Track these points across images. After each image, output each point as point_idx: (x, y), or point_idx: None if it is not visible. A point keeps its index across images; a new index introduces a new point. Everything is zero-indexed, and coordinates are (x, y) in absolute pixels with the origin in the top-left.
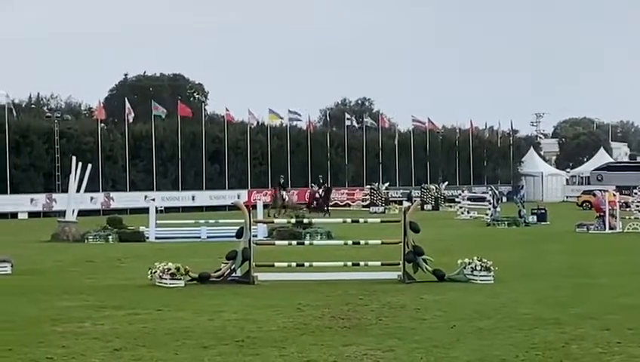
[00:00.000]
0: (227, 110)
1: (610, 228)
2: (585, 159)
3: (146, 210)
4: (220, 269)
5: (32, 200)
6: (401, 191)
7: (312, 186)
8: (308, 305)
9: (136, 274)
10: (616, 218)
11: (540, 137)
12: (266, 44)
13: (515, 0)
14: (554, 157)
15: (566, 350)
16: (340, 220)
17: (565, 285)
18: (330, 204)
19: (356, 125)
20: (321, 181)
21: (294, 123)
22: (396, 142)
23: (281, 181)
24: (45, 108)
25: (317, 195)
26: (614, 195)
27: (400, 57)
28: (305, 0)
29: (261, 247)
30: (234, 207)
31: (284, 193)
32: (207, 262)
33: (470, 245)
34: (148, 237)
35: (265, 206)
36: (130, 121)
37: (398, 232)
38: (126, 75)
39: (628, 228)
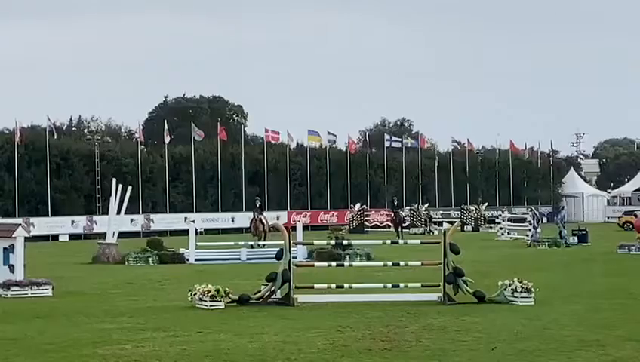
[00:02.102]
0: (267, 131)
1: None
2: (626, 179)
3: (185, 232)
4: (260, 291)
5: (72, 222)
6: (441, 212)
7: (351, 207)
8: (348, 327)
9: (176, 296)
10: None
11: (581, 158)
12: (305, 65)
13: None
14: (594, 178)
15: None
16: (380, 241)
17: (607, 306)
18: (370, 225)
19: (396, 146)
20: (395, 203)
21: (333, 145)
22: (436, 162)
23: (258, 204)
24: (86, 130)
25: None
26: None
27: (439, 78)
28: (343, 20)
29: (301, 269)
30: (274, 229)
31: (262, 217)
32: (247, 283)
33: (510, 266)
34: (188, 259)
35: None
36: (168, 142)
37: (438, 254)
38: (166, 97)
39: None
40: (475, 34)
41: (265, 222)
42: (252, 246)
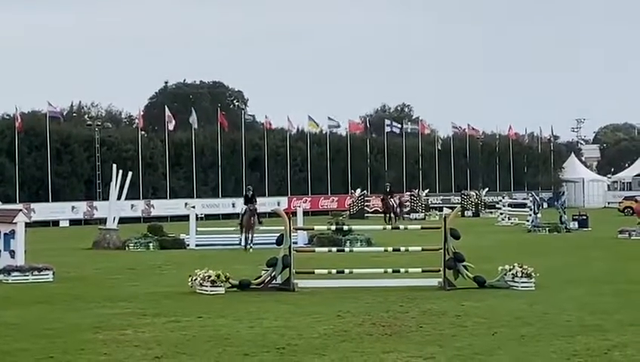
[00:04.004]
0: (267, 117)
1: None
2: (626, 165)
3: (186, 218)
4: (261, 276)
5: (73, 208)
6: (442, 197)
7: (351, 192)
8: (348, 312)
9: (176, 282)
10: None
11: (581, 143)
12: (305, 51)
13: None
14: (595, 163)
15: (608, 357)
16: (380, 227)
17: (607, 291)
18: (370, 210)
19: (396, 131)
20: (388, 189)
21: (333, 130)
22: (439, 147)
23: (250, 194)
24: (86, 116)
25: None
26: None
27: (440, 63)
28: (344, 6)
29: (301, 254)
30: (274, 214)
31: (254, 209)
32: (248, 269)
33: (511, 251)
34: (188, 245)
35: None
36: (171, 128)
37: (438, 239)
38: (166, 82)
39: None
40: (475, 18)
41: (256, 216)
42: (246, 249)
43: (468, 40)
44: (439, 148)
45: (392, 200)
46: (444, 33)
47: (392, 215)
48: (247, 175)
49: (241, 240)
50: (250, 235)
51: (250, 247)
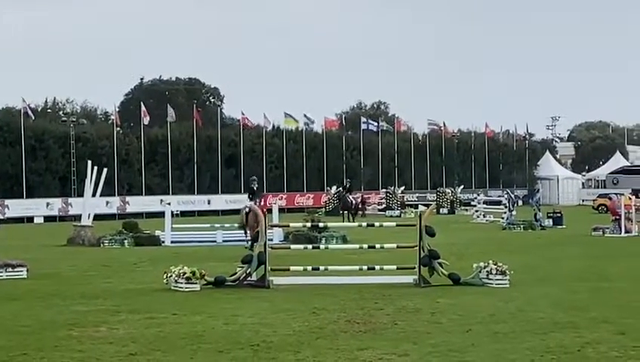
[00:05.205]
0: (243, 114)
1: (626, 232)
2: (601, 162)
3: (161, 214)
4: (236, 273)
5: (47, 204)
6: (417, 194)
7: (327, 190)
8: (323, 309)
9: (151, 279)
10: (632, 221)
11: (556, 141)
12: (281, 48)
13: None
14: (570, 161)
15: (582, 354)
16: (356, 224)
17: (581, 289)
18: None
19: (372, 128)
20: (347, 186)
21: (309, 127)
22: (420, 139)
23: (256, 187)
24: (61, 112)
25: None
26: (630, 199)
27: (415, 61)
28: (320, 3)
29: (277, 251)
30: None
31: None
32: (223, 266)
33: (486, 249)
34: (164, 242)
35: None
36: (146, 123)
37: (413, 236)
38: (142, 79)
39: None
40: (450, 17)
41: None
42: (250, 248)
43: (444, 38)
44: (420, 140)
45: (350, 197)
46: (420, 31)
47: (351, 213)
48: (223, 172)
49: (247, 240)
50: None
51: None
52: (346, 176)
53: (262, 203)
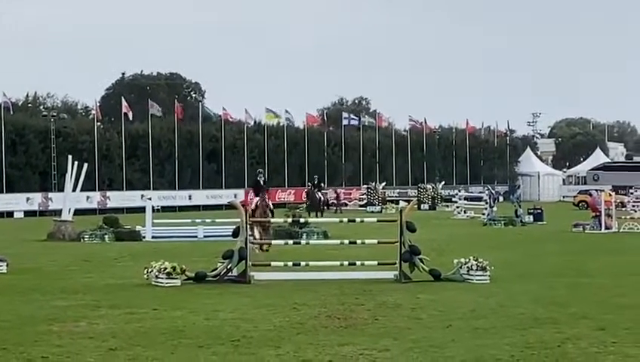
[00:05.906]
0: (224, 109)
1: (606, 228)
2: (581, 159)
3: (142, 210)
4: (217, 268)
5: (27, 199)
6: (398, 190)
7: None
8: (304, 305)
9: (132, 274)
10: (612, 218)
11: (537, 137)
12: (263, 44)
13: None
14: (550, 157)
15: (562, 349)
16: (337, 220)
17: (561, 285)
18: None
19: (354, 124)
20: (315, 182)
21: (290, 123)
22: (405, 131)
23: (262, 179)
24: (42, 107)
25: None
26: (610, 195)
27: (397, 56)
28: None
29: (258, 247)
30: (230, 207)
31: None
32: (204, 261)
33: (466, 245)
34: (144, 237)
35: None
36: (130, 118)
37: (394, 232)
38: (123, 73)
39: (624, 228)
40: (432, 14)
41: (269, 212)
42: (261, 250)
43: (424, 36)
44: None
45: (319, 193)
46: (401, 29)
47: (319, 210)
48: (204, 167)
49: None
50: (267, 236)
51: (266, 250)
52: (327, 171)
53: (268, 199)
